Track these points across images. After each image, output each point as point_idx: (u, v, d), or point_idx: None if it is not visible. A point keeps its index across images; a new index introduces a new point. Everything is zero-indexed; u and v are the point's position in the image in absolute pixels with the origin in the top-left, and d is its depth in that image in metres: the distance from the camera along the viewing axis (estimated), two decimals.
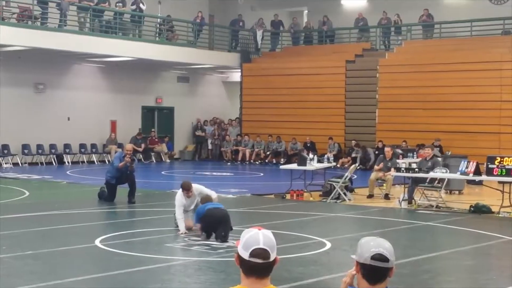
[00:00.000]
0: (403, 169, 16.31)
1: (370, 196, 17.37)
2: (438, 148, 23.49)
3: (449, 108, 25.75)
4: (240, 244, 2.93)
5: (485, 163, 14.84)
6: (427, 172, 15.72)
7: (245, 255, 2.89)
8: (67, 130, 27.31)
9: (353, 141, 27.57)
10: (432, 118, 25.93)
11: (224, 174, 25.05)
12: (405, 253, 9.84)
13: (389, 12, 29.70)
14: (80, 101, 27.99)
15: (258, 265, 2.88)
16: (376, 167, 17.91)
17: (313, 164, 17.78)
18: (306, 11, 34.32)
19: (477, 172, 14.93)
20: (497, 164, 14.45)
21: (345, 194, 16.74)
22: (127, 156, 15.24)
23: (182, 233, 11.09)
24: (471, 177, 15.28)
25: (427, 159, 16.51)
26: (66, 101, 27.49)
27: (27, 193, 17.07)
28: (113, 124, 29.30)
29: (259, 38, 32.30)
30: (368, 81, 28.14)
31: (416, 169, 15.95)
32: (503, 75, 25.02)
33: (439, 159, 17.04)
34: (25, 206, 14.92)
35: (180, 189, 11.53)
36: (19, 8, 24.81)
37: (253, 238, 2.91)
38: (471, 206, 14.97)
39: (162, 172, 25.29)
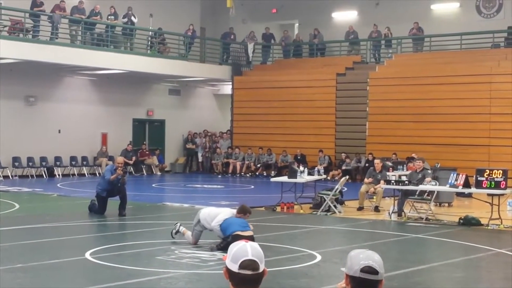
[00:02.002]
0: (393, 181, 16.37)
1: (360, 208, 17.41)
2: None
3: (439, 120, 25.87)
4: (228, 258, 2.94)
5: (474, 176, 14.91)
6: (417, 184, 15.77)
7: (234, 267, 2.90)
8: (58, 142, 27.27)
9: (343, 154, 27.66)
10: (422, 130, 26.05)
11: (215, 186, 25.05)
12: (395, 266, 9.87)
13: (380, 25, 29.88)
14: (71, 113, 27.96)
15: (248, 276, 2.90)
16: (366, 180, 17.96)
17: (304, 177, 17.80)
18: (297, 24, 34.51)
19: (466, 184, 15.00)
20: (486, 176, 14.52)
21: (335, 206, 16.77)
22: (119, 168, 15.24)
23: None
24: (460, 189, 15.35)
25: (417, 171, 16.57)
26: (57, 114, 27.47)
27: (17, 206, 17.01)
28: (104, 137, 29.27)
29: (250, 51, 32.41)
30: (359, 94, 28.25)
31: (406, 182, 16.00)
32: (493, 88, 25.18)
33: (429, 171, 17.11)
34: (15, 219, 14.87)
35: (234, 211, 11.34)
36: (10, 21, 24.82)
37: (241, 250, 2.93)
38: (460, 219, 15.03)
39: (153, 185, 25.28)
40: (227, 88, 32.99)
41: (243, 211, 11.25)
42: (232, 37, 32.89)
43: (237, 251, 2.93)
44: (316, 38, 31.80)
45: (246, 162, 29.92)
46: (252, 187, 25.14)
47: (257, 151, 29.84)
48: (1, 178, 24.98)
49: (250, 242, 2.97)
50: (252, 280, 2.91)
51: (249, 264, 2.90)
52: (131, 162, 28.30)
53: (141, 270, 9.48)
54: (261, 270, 2.93)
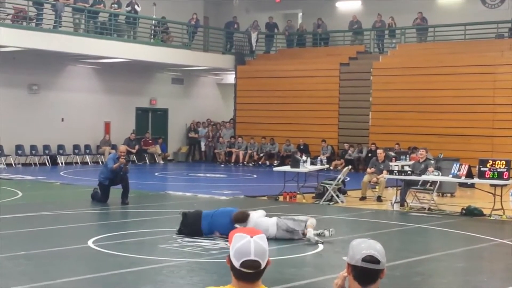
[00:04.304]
0: (395, 171, 16.37)
1: (363, 198, 17.41)
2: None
3: (442, 111, 25.83)
4: (232, 250, 2.92)
5: (477, 166, 14.91)
6: (420, 174, 15.77)
7: (236, 264, 2.89)
8: (61, 131, 27.29)
9: (345, 144, 27.65)
10: (425, 121, 26.02)
11: (218, 175, 25.07)
12: (397, 255, 9.88)
13: (384, 15, 29.79)
14: (74, 102, 27.97)
15: (249, 274, 2.90)
16: (368, 170, 17.96)
17: (306, 166, 17.81)
18: (301, 14, 34.40)
19: (469, 175, 14.99)
20: (489, 167, 14.52)
21: (338, 196, 16.78)
22: (121, 157, 15.26)
23: None
24: (463, 180, 15.34)
25: (420, 161, 16.56)
26: (60, 102, 27.47)
27: (20, 194, 17.06)
28: (107, 125, 29.29)
29: (253, 40, 32.34)
30: (362, 84, 28.20)
31: (409, 172, 16.01)
32: (497, 79, 25.12)
33: (432, 161, 17.11)
34: (18, 206, 14.91)
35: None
36: (14, 9, 24.79)
37: (244, 247, 2.89)
38: (463, 209, 15.04)
39: (156, 174, 25.29)
40: (230, 77, 32.96)
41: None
42: (235, 26, 32.83)
43: (240, 248, 2.90)
44: (320, 27, 31.72)
45: (249, 151, 29.92)
46: (255, 176, 25.15)
47: (259, 141, 29.83)
48: (4, 166, 25.01)
49: (254, 238, 2.92)
50: (253, 276, 2.91)
51: (251, 264, 2.89)
52: (133, 150, 28.32)
53: (144, 258, 9.50)
54: (263, 267, 2.92)
